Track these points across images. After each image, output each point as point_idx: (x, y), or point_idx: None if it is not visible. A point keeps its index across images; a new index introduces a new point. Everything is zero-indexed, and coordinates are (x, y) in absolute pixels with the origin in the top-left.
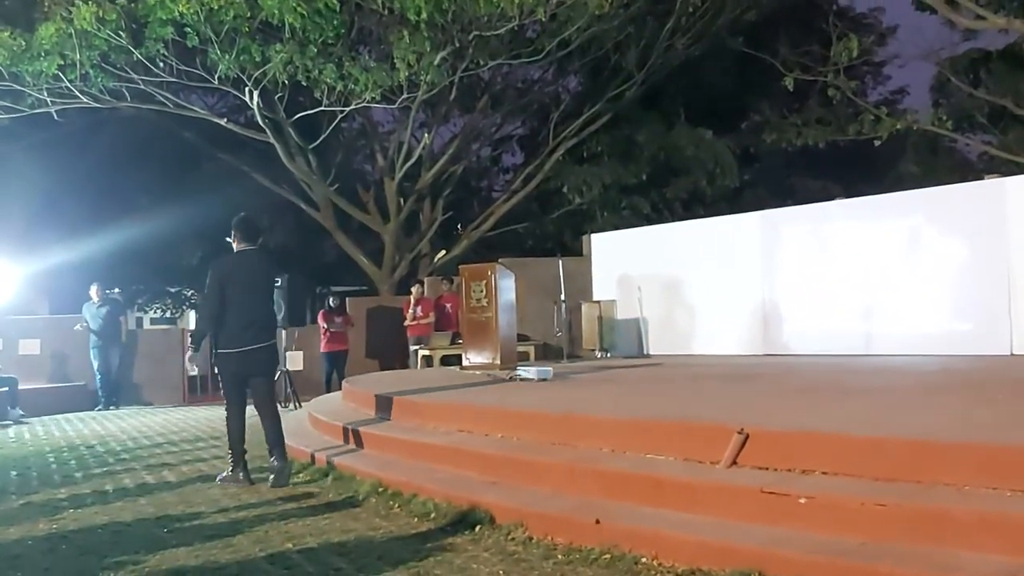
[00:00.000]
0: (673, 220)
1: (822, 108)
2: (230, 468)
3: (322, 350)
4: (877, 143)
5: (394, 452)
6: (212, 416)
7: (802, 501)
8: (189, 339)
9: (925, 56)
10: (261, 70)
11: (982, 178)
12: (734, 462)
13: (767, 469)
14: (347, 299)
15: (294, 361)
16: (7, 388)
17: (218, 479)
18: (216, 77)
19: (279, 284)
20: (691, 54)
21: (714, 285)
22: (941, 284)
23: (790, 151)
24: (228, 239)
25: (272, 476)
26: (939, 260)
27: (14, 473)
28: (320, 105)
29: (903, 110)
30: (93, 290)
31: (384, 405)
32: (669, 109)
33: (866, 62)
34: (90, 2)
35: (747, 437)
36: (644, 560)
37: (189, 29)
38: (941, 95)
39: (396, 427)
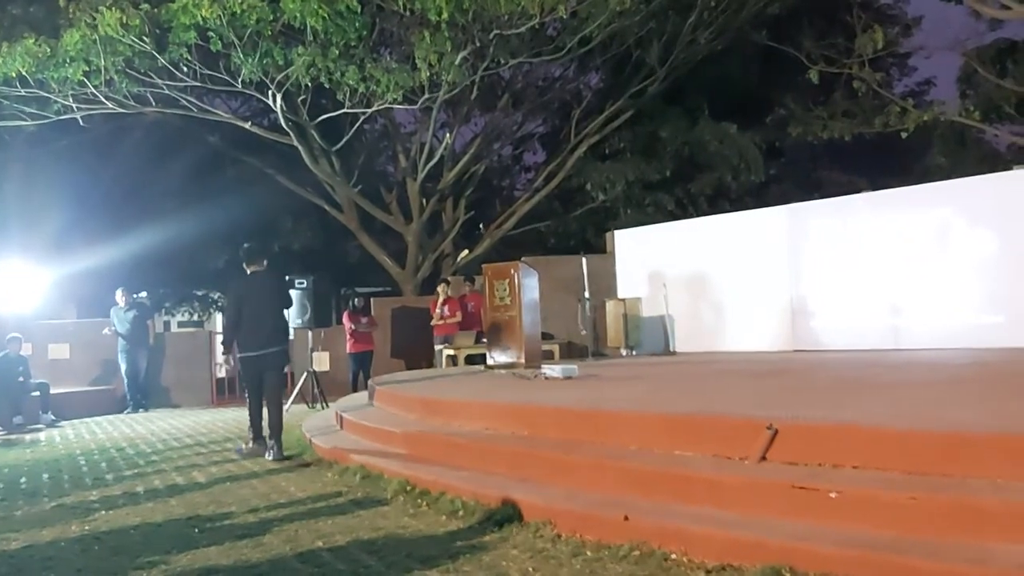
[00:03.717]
0: (698, 216)
1: (847, 101)
2: (249, 442)
3: (348, 351)
4: (904, 135)
5: (421, 450)
6: (240, 417)
7: (833, 495)
8: (221, 344)
9: (951, 47)
10: (284, 73)
11: (1011, 168)
12: (763, 457)
13: (797, 464)
14: (371, 300)
15: (320, 362)
16: (39, 392)
17: (236, 451)
18: (239, 81)
19: (304, 286)
20: (714, 48)
21: (740, 281)
22: (971, 276)
23: (816, 145)
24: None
25: (271, 452)
26: (969, 252)
27: (46, 476)
28: (342, 107)
29: (930, 102)
30: (119, 294)
31: (413, 405)
32: (692, 104)
33: (891, 54)
34: (114, 8)
35: (776, 432)
36: (673, 556)
37: (212, 33)
38: (968, 86)
39: (423, 425)
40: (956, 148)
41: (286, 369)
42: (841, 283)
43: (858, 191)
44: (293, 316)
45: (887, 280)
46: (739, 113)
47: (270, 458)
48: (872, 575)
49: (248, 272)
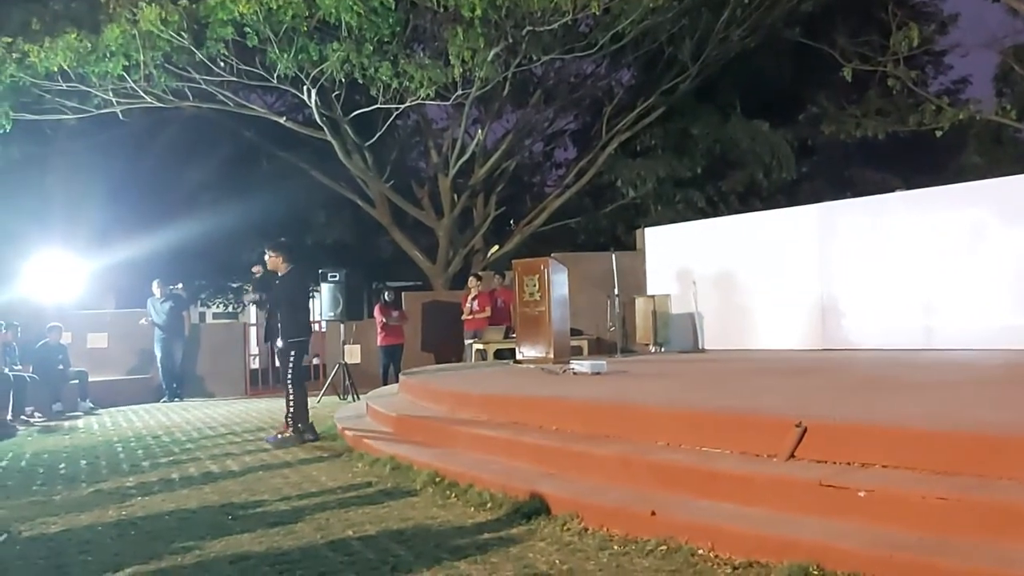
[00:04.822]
0: (729, 213)
1: (881, 99)
2: (290, 431)
3: (379, 344)
4: (939, 134)
5: (450, 443)
6: (273, 408)
7: (861, 494)
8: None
9: (987, 45)
10: (319, 69)
11: None
12: (792, 455)
13: (826, 462)
14: (402, 294)
15: (352, 354)
16: (77, 380)
17: (268, 440)
18: (275, 76)
19: (337, 279)
20: (747, 45)
21: (771, 279)
22: (1005, 277)
23: (849, 143)
24: (267, 257)
25: (310, 433)
26: (1003, 253)
27: (84, 462)
28: (376, 103)
29: (965, 100)
30: (155, 286)
31: (443, 398)
32: (724, 101)
33: (927, 51)
34: (154, 4)
35: (805, 430)
36: (701, 552)
37: (249, 29)
38: (1004, 84)
39: (452, 419)
40: (992, 147)
41: (316, 361)
42: (872, 282)
43: (891, 190)
44: (326, 309)
45: (919, 280)
46: (771, 110)
47: (311, 438)
48: (900, 575)
49: (287, 268)
